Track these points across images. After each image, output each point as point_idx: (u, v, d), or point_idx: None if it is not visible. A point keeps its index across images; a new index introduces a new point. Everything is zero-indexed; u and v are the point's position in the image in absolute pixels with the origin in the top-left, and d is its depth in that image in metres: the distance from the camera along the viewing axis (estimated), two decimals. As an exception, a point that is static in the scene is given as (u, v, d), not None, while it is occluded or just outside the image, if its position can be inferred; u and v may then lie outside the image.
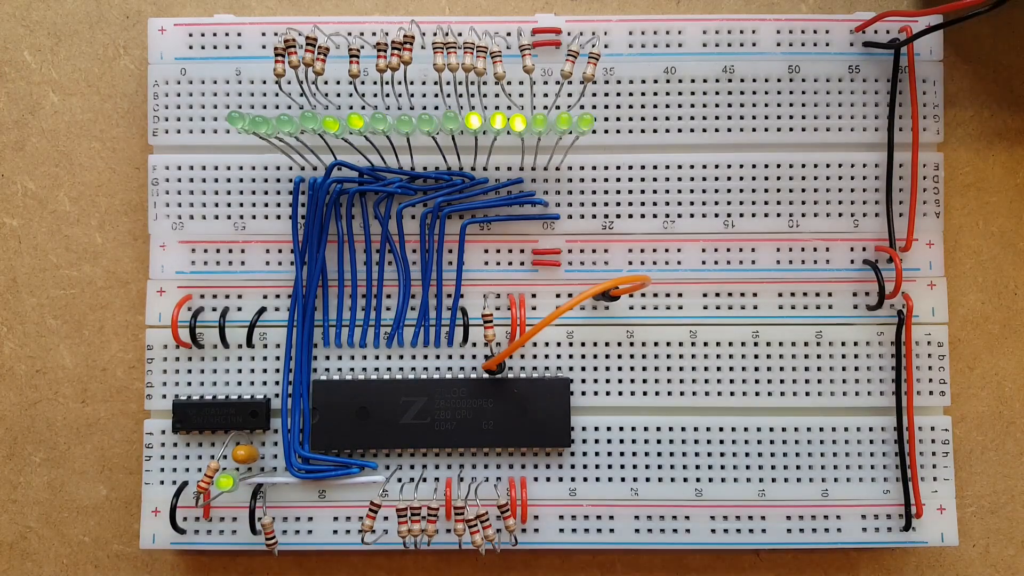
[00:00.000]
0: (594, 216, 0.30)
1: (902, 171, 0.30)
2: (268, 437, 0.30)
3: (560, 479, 0.29)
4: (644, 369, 0.30)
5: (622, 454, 0.29)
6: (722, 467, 0.29)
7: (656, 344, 0.30)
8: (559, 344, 0.30)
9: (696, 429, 0.30)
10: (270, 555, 0.30)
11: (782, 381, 0.30)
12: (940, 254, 0.30)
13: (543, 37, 0.30)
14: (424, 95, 0.30)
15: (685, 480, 0.29)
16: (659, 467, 0.29)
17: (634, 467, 0.29)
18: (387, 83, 0.29)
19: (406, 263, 0.30)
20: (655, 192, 0.30)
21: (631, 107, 0.30)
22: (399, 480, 0.29)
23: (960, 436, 0.31)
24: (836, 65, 0.30)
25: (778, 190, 0.30)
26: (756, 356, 0.30)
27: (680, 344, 0.30)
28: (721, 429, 0.30)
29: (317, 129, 0.27)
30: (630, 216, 0.30)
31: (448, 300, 0.30)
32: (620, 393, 0.30)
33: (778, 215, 0.30)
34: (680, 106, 0.30)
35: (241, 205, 0.30)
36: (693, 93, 0.30)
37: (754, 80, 0.30)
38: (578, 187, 0.30)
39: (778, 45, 0.30)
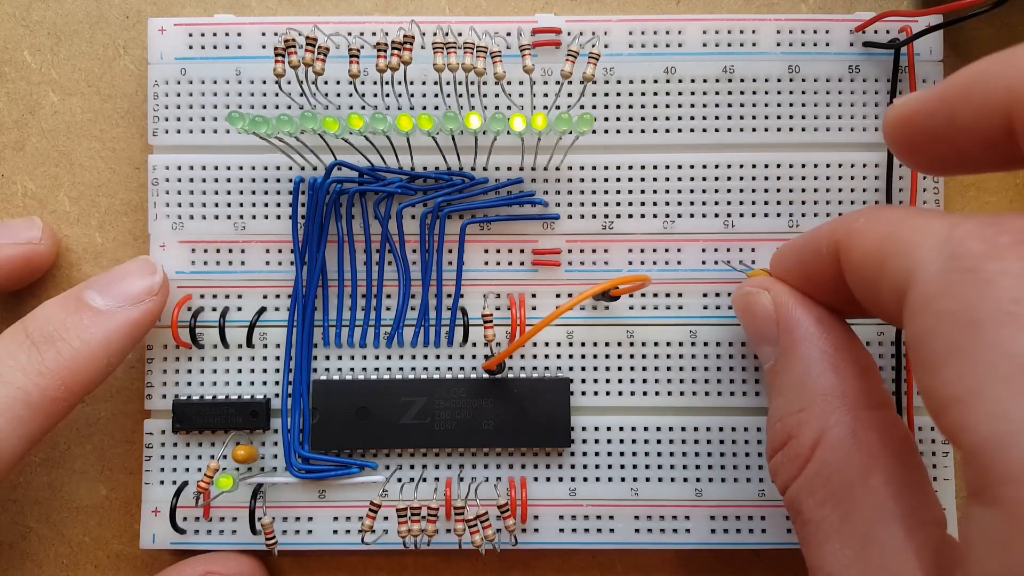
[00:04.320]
0: (594, 216, 0.30)
1: (902, 171, 0.30)
2: (268, 437, 0.30)
3: (560, 479, 0.29)
4: (644, 369, 0.30)
5: (622, 454, 0.29)
6: (722, 467, 0.29)
7: (656, 344, 0.30)
8: (559, 344, 0.30)
9: (696, 429, 0.30)
10: (270, 555, 0.30)
11: (782, 381, 0.30)
12: (940, 254, 0.30)
13: (543, 37, 0.30)
14: (424, 95, 0.30)
15: (685, 480, 0.29)
16: (659, 467, 0.29)
17: (634, 467, 0.29)
18: (387, 83, 0.29)
19: (406, 263, 0.30)
20: (655, 192, 0.30)
21: (631, 107, 0.30)
22: (399, 480, 0.29)
23: (960, 436, 0.31)
24: (836, 65, 0.30)
25: (778, 190, 0.30)
26: (756, 356, 0.30)
27: (680, 344, 0.30)
28: (721, 429, 0.30)
29: (317, 129, 0.27)
30: (630, 216, 0.30)
31: (448, 300, 0.30)
32: (620, 393, 0.30)
33: (778, 215, 0.30)
34: (680, 106, 0.30)
35: (241, 205, 0.30)
36: (693, 93, 0.30)
37: (754, 80, 0.30)
38: (578, 187, 0.30)
39: (778, 45, 0.30)
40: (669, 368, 0.30)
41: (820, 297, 0.23)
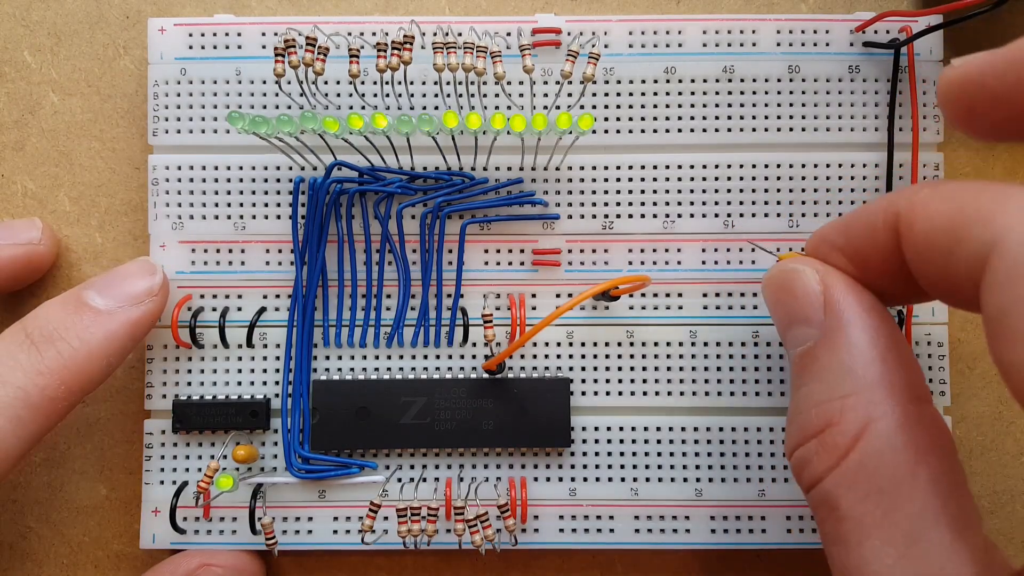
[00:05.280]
0: (594, 216, 0.30)
1: (902, 171, 0.30)
2: (268, 437, 0.30)
3: (560, 479, 0.29)
4: (644, 369, 0.30)
5: (622, 454, 0.29)
6: (722, 467, 0.29)
7: (656, 344, 0.30)
8: (559, 344, 0.30)
9: (696, 429, 0.30)
10: (270, 555, 0.30)
11: (782, 381, 0.30)
12: (940, 254, 0.30)
13: (543, 37, 0.30)
14: (424, 95, 0.30)
15: (685, 480, 0.29)
16: (659, 467, 0.29)
17: (634, 467, 0.29)
18: (387, 83, 0.29)
19: (406, 263, 0.30)
20: (655, 192, 0.30)
21: (631, 107, 0.30)
22: (399, 480, 0.29)
23: (960, 436, 0.31)
24: (836, 65, 0.30)
25: (778, 190, 0.30)
26: (756, 356, 0.30)
27: (680, 344, 0.30)
28: (721, 429, 0.30)
29: (317, 129, 0.27)
30: (630, 216, 0.30)
31: (448, 300, 0.30)
32: (620, 393, 0.30)
33: (778, 215, 0.30)
34: (680, 106, 0.30)
35: (241, 205, 0.30)
36: (693, 93, 0.30)
37: (754, 80, 0.30)
38: (578, 187, 0.30)
39: (778, 45, 0.30)
40: (669, 368, 0.30)
41: (867, 278, 0.22)
